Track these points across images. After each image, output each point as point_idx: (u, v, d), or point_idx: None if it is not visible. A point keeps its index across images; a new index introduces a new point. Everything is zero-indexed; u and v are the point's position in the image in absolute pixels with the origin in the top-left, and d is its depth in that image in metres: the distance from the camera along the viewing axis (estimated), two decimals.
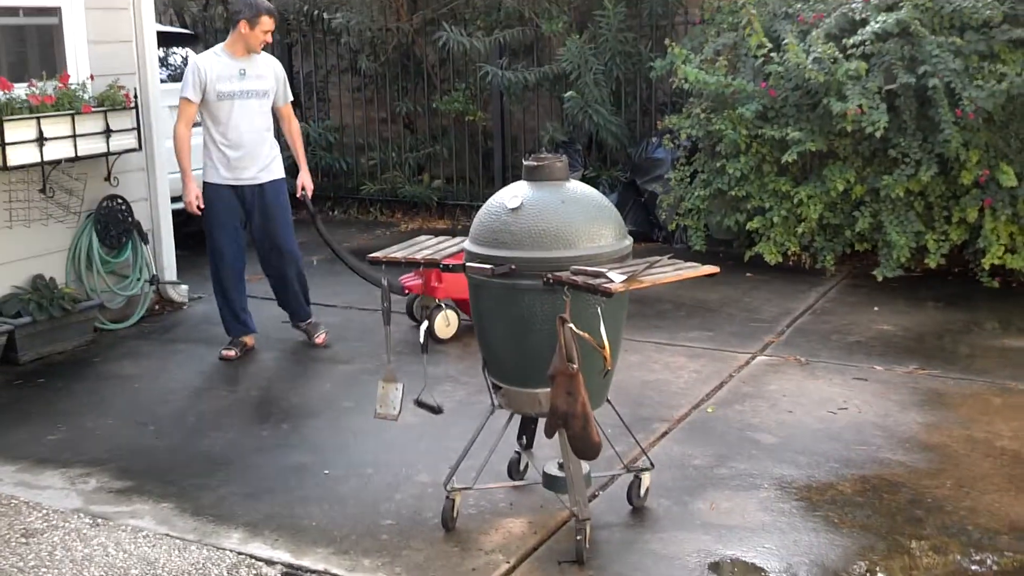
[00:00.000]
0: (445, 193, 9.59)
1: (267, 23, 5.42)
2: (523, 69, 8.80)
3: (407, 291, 6.01)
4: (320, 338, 5.84)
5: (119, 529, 3.68)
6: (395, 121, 10.05)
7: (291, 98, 5.81)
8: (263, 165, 5.54)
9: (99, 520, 3.75)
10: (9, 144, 5.42)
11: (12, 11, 5.74)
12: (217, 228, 5.54)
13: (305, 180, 5.79)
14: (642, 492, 3.76)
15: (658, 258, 3.36)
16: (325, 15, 9.61)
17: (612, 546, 3.52)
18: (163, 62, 7.43)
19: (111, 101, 6.02)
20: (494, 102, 9.26)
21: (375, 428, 4.43)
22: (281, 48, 10.35)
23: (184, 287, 6.83)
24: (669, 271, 3.28)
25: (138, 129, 6.22)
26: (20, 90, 5.56)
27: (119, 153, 6.16)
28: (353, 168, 10.08)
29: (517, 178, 3.61)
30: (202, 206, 5.47)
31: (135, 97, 6.19)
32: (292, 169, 5.84)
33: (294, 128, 5.82)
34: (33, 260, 5.89)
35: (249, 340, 5.78)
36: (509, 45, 8.95)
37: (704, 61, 7.25)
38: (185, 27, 10.33)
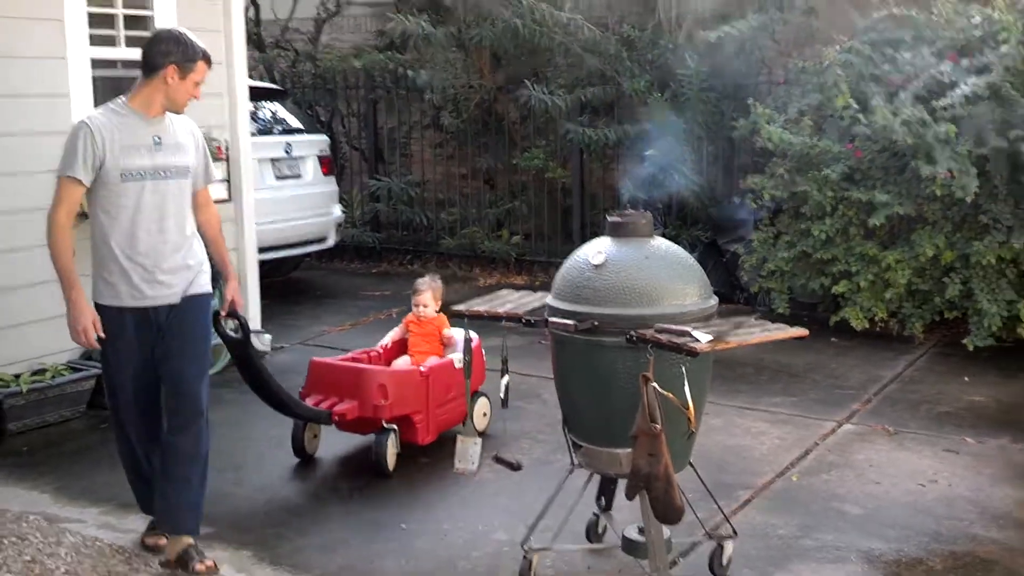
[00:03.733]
0: (523, 249, 9.63)
1: (202, 71, 3.73)
2: (604, 127, 8.86)
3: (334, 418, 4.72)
4: (202, 565, 3.74)
5: None
6: (475, 177, 10.17)
7: (215, 178, 4.20)
8: (187, 277, 3.79)
9: (178, 572, 3.76)
10: None
11: (111, 63, 5.96)
12: (119, 372, 3.79)
13: (234, 292, 4.05)
14: (724, 561, 3.66)
15: (745, 318, 3.32)
16: (410, 72, 9.81)
17: None
18: (253, 116, 7.63)
19: None
20: (574, 159, 9.32)
21: (452, 484, 4.42)
22: (367, 104, 10.61)
23: (267, 336, 6.93)
24: (756, 332, 3.22)
25: (228, 181, 6.38)
26: None
27: None
28: (433, 223, 10.20)
29: (596, 235, 3.60)
30: (101, 335, 3.67)
31: (226, 150, 6.37)
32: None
33: (214, 220, 4.03)
34: None
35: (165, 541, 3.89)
36: (590, 103, 9.01)
37: (788, 121, 7.20)
38: (274, 82, 10.63)
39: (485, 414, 5.20)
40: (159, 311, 3.74)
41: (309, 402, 4.71)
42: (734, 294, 8.08)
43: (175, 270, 3.75)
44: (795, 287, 7.41)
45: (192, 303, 3.79)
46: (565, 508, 3.62)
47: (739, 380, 6.04)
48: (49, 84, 5.55)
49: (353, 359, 5.06)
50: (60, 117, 5.40)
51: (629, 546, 3.56)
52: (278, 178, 8.40)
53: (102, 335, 3.66)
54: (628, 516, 3.80)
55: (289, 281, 9.25)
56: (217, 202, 6.31)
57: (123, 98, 3.74)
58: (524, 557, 3.57)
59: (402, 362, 5.14)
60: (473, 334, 5.05)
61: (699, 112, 8.32)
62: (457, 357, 4.87)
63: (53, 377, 5.40)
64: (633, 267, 3.36)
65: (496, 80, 9.67)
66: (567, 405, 3.59)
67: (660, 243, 3.52)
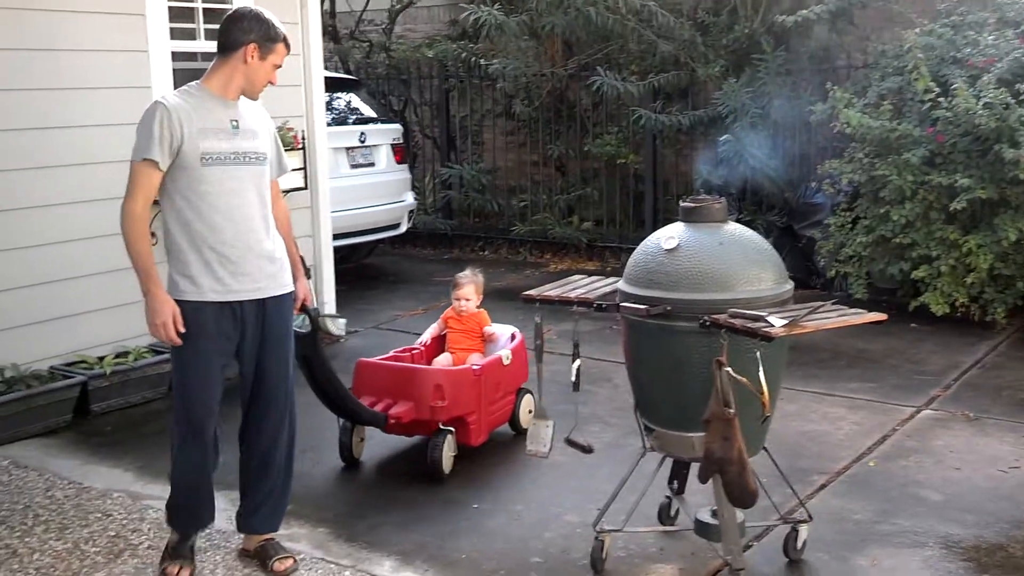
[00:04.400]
0: (594, 235, 9.63)
1: (282, 55, 3.53)
2: (677, 112, 8.80)
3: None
4: (283, 565, 3.66)
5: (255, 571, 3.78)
6: (546, 164, 10.19)
7: (287, 168, 3.87)
8: (272, 271, 3.56)
9: None
10: None
11: (191, 55, 6.10)
12: (197, 373, 3.47)
13: (305, 288, 3.79)
14: (799, 545, 3.64)
15: (821, 303, 3.28)
16: (483, 61, 9.86)
17: None
18: (328, 106, 7.74)
19: (281, 142, 6.31)
20: (647, 145, 9.28)
21: (523, 466, 4.45)
22: (439, 93, 10.69)
23: (342, 321, 7.06)
24: (833, 317, 3.19)
25: (305, 169, 6.50)
26: None
27: (288, 191, 6.45)
28: (504, 209, 10.25)
29: (668, 221, 3.60)
30: (181, 329, 3.39)
31: (303, 139, 6.49)
32: None
33: (285, 214, 3.80)
34: None
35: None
36: (663, 89, 8.95)
37: (867, 105, 7.07)
38: (349, 73, 10.76)
39: (530, 411, 4.95)
40: (244, 307, 3.48)
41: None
42: (810, 280, 7.97)
43: (261, 262, 3.50)
44: (873, 272, 7.28)
45: (281, 300, 3.58)
46: (636, 491, 3.63)
47: (815, 365, 5.97)
48: (131, 77, 5.71)
49: (396, 358, 4.87)
50: (142, 109, 5.56)
51: (702, 529, 3.56)
52: (352, 166, 8.52)
53: (182, 329, 3.38)
54: (701, 499, 3.79)
55: (363, 267, 9.39)
56: (293, 190, 6.55)
57: (196, 82, 3.52)
58: (596, 538, 3.59)
59: (443, 360, 4.96)
60: (515, 329, 5.08)
61: (775, 97, 8.21)
62: (505, 354, 4.82)
63: (136, 360, 5.58)
64: (707, 252, 3.35)
65: (568, 67, 9.67)
66: (639, 389, 3.60)
67: (734, 228, 3.51)
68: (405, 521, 4.04)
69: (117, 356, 5.56)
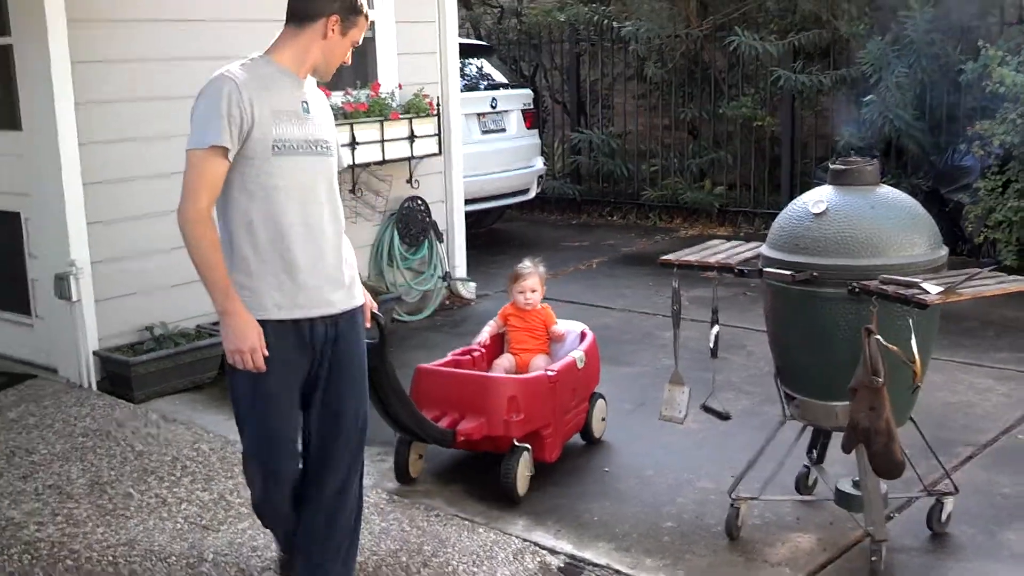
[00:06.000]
0: (727, 200, 9.44)
1: (362, 29, 2.98)
2: (818, 72, 8.53)
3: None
4: None
5: (413, 507, 3.89)
6: (678, 127, 10.03)
7: (344, 163, 3.43)
8: (344, 283, 3.01)
9: (395, 497, 3.97)
10: None
11: None
12: (269, 403, 2.92)
13: (367, 297, 3.18)
14: (944, 517, 3.52)
15: (978, 270, 3.13)
16: (615, 24, 9.74)
17: (909, 571, 3.33)
18: (460, 72, 7.78)
19: (416, 109, 6.40)
20: (784, 107, 9.03)
21: (655, 431, 4.42)
22: (570, 57, 10.62)
23: (472, 284, 7.14)
24: (991, 284, 3.05)
25: (439, 135, 6.57)
26: (336, 98, 6.04)
27: (421, 157, 6.54)
28: (634, 174, 10.15)
29: (805, 186, 3.50)
30: (267, 353, 2.83)
31: (437, 105, 6.55)
32: None
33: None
34: None
35: None
36: (803, 48, 8.68)
37: (1022, 64, 6.69)
38: (480, 39, 10.80)
39: (603, 419, 4.51)
40: (315, 326, 2.92)
41: None
42: (956, 246, 7.63)
43: (334, 273, 2.95)
44: None
45: (354, 317, 3.03)
46: (773, 460, 3.57)
47: (963, 335, 5.72)
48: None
49: (455, 363, 4.30)
50: None
51: (843, 499, 3.48)
52: (484, 132, 8.57)
53: (267, 354, 2.81)
54: (840, 470, 3.70)
55: (492, 232, 9.46)
56: (427, 156, 6.64)
57: (261, 54, 2.93)
58: (732, 505, 3.55)
59: (505, 363, 4.42)
60: (585, 327, 4.56)
61: (922, 55, 7.85)
62: (578, 356, 4.28)
63: None
64: (857, 216, 3.23)
65: (704, 28, 9.46)
66: (781, 357, 3.52)
67: (886, 191, 3.38)
68: (537, 484, 4.04)
69: None
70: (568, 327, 4.55)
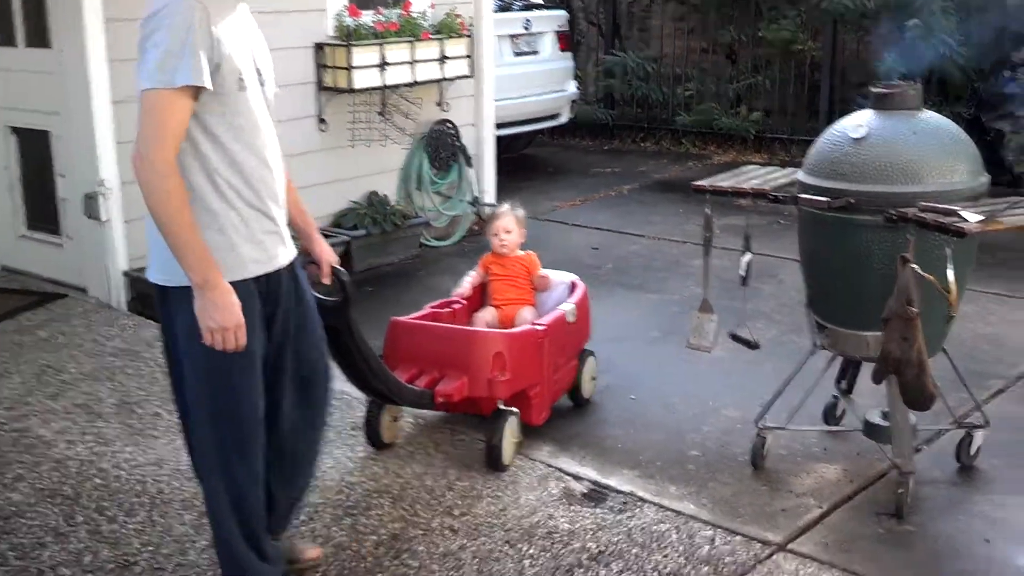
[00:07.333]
0: (763, 126, 9.26)
1: None
2: None
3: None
4: (313, 553, 3.03)
5: (438, 431, 3.89)
6: (715, 51, 9.81)
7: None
8: (283, 224, 2.70)
9: (420, 421, 3.96)
10: (356, 68, 5.80)
11: None
12: (244, 375, 2.57)
13: (329, 251, 2.94)
14: (973, 450, 3.48)
15: (1019, 199, 3.04)
16: None
17: (936, 503, 3.30)
18: None
19: (448, 29, 6.28)
20: (826, 31, 8.79)
21: (681, 359, 4.38)
22: None
23: None
24: None
25: (470, 57, 6.45)
26: (367, 17, 5.93)
27: (452, 79, 6.43)
28: (668, 99, 9.95)
29: (844, 112, 3.39)
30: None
31: (470, 26, 6.42)
32: None
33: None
34: (369, 178, 6.30)
35: None
36: None
37: None
38: None
39: (593, 377, 4.16)
40: (282, 277, 2.64)
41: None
42: (997, 175, 7.45)
43: (284, 214, 2.69)
44: None
45: (297, 263, 2.75)
46: (801, 389, 3.53)
47: (998, 266, 5.60)
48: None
49: (434, 315, 3.91)
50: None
51: (871, 430, 3.45)
52: (516, 55, 8.41)
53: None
54: (869, 400, 3.66)
55: (522, 157, 9.35)
56: (458, 78, 6.52)
57: None
58: (758, 435, 3.53)
59: (486, 316, 4.05)
60: (575, 277, 4.22)
61: None
62: (569, 309, 3.94)
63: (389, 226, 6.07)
64: (898, 141, 3.14)
65: None
66: (813, 285, 3.46)
67: (929, 116, 3.28)
68: (560, 409, 4.04)
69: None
70: (557, 277, 4.21)
